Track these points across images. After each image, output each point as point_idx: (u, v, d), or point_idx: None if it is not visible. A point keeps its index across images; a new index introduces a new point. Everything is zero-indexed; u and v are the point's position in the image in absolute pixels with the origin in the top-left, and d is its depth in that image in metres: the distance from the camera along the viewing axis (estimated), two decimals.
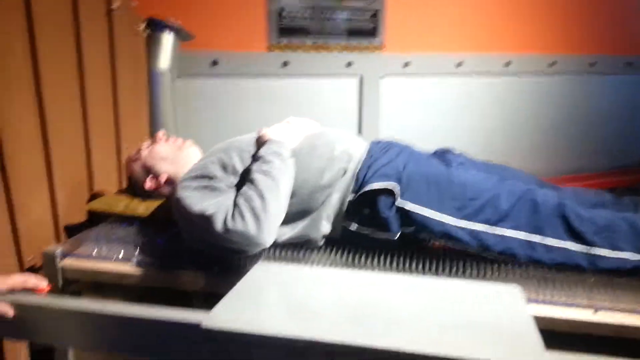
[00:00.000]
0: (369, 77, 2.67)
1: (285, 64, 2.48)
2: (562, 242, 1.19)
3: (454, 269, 1.20)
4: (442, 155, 1.36)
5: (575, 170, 3.22)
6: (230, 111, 2.43)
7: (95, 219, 1.50)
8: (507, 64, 2.94)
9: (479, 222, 1.21)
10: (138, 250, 1.32)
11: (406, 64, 2.73)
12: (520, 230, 1.20)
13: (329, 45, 2.56)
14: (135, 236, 1.37)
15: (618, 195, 1.48)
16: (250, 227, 1.14)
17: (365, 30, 2.61)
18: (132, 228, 1.42)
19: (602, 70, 3.17)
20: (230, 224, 1.15)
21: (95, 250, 1.34)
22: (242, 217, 1.15)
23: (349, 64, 2.61)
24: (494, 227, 1.20)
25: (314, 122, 1.47)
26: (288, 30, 2.46)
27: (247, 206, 1.16)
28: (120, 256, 1.32)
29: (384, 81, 2.71)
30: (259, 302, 1.00)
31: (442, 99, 2.87)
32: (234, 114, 2.43)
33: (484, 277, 1.19)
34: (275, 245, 1.26)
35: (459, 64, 2.84)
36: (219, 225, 1.16)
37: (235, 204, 1.18)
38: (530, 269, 1.20)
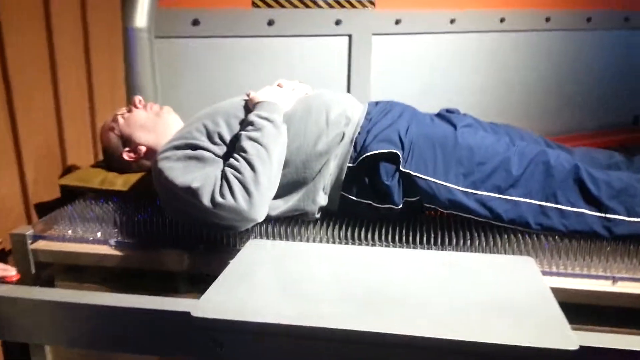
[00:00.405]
0: (359, 36, 2.55)
1: (270, 22, 2.33)
2: (577, 207, 1.10)
3: (462, 241, 1.11)
4: (447, 116, 1.25)
5: (567, 130, 3.17)
6: (214, 73, 2.29)
7: (68, 195, 1.38)
8: (502, 20, 2.85)
9: (489, 189, 1.11)
10: (117, 229, 1.21)
11: (397, 22, 2.60)
12: (533, 197, 1.11)
13: (317, 1, 2.41)
14: (114, 213, 1.26)
15: (626, 155, 1.39)
16: (241, 201, 1.04)
17: None
18: (110, 205, 1.30)
19: (598, 25, 3.10)
20: (218, 198, 1.04)
21: (70, 231, 1.22)
22: (232, 190, 1.05)
23: (338, 22, 2.48)
24: (504, 194, 1.11)
25: (307, 85, 1.35)
26: None
27: (236, 178, 1.06)
28: (98, 236, 1.21)
29: (374, 39, 2.58)
30: (253, 286, 0.91)
31: (436, 57, 2.77)
32: (218, 76, 2.29)
33: (493, 248, 1.11)
34: (268, 219, 1.16)
35: (452, 21, 2.74)
36: (205, 200, 1.05)
37: (224, 176, 1.07)
38: (542, 237, 1.12)
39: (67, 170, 1.47)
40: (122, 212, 1.26)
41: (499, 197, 1.11)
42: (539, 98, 3.08)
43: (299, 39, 2.45)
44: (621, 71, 3.28)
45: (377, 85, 2.62)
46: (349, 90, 2.59)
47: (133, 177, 1.35)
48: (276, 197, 1.16)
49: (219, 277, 0.91)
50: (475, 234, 1.13)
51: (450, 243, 1.11)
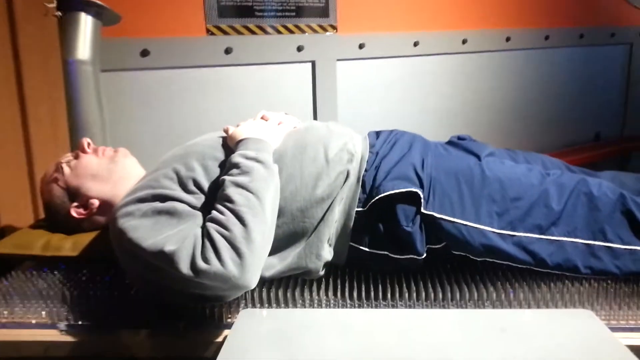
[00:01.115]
0: (322, 62, 2.39)
1: (228, 50, 2.13)
2: (630, 245, 0.94)
3: (502, 294, 0.92)
4: (463, 144, 1.08)
5: (532, 149, 3.11)
6: (168, 107, 2.05)
7: (2, 266, 1.09)
8: (464, 41, 2.80)
9: (528, 229, 0.94)
10: (67, 307, 0.95)
11: (361, 46, 2.47)
12: (579, 235, 0.94)
13: (277, 27, 2.23)
14: (62, 287, 1.00)
15: None
16: (230, 265, 0.82)
17: (315, 9, 2.31)
18: (56, 275, 1.04)
19: (555, 43, 3.11)
20: (200, 264, 0.82)
21: (6, 312, 0.95)
22: (217, 252, 0.82)
23: (300, 48, 2.31)
24: (546, 234, 0.93)
25: (293, 116, 1.14)
26: (229, 10, 2.10)
27: (223, 236, 0.84)
28: (43, 318, 0.94)
29: (339, 65, 2.43)
30: None
31: (401, 80, 2.65)
32: (174, 110, 2.06)
33: (533, 301, 0.92)
34: (261, 281, 0.94)
35: (416, 44, 2.64)
36: (184, 266, 0.82)
37: (206, 234, 0.85)
38: (592, 282, 0.95)
39: (0, 234, 1.18)
40: (72, 285, 1.00)
41: (540, 238, 0.93)
42: (503, 117, 3.04)
43: (259, 67, 2.25)
44: (580, 88, 3.30)
45: (344, 111, 2.47)
46: (315, 117, 2.42)
47: (84, 239, 1.09)
48: (270, 253, 0.94)
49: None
50: (515, 284, 0.94)
51: (489, 298, 0.92)
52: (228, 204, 0.87)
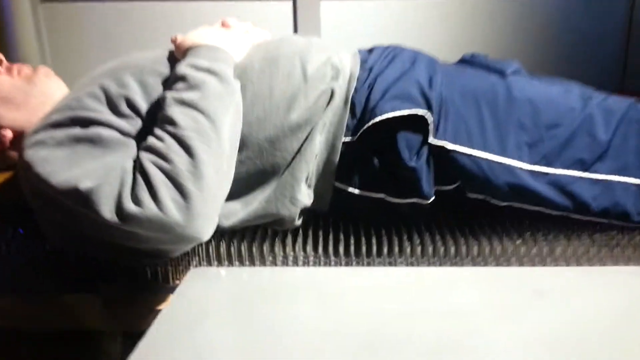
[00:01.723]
0: (304, 0, 2.13)
1: None
2: None
3: (525, 249, 0.71)
4: (479, 61, 0.84)
5: None
6: (127, 45, 1.78)
7: None
8: None
9: (567, 164, 0.72)
10: None
11: None
12: (631, 173, 0.72)
13: None
14: None
15: None
16: (170, 209, 0.60)
17: None
18: None
19: None
20: (129, 206, 0.60)
21: None
22: (153, 190, 0.60)
23: None
24: (590, 170, 0.72)
25: (264, 30, 0.90)
26: None
27: (161, 170, 0.61)
28: None
29: (323, 5, 2.18)
30: (203, 342, 0.48)
31: (393, 24, 2.40)
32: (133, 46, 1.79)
33: (572, 257, 0.71)
34: (219, 233, 0.72)
35: None
36: (106, 209, 0.61)
37: (139, 168, 0.62)
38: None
39: None
40: None
41: (582, 177, 0.72)
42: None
43: (232, 4, 1.99)
44: (577, 38, 3.08)
45: None
46: None
47: None
48: (230, 197, 0.71)
49: (145, 335, 0.48)
50: (549, 235, 0.73)
51: (515, 253, 0.71)
52: (169, 128, 0.64)
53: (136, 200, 0.61)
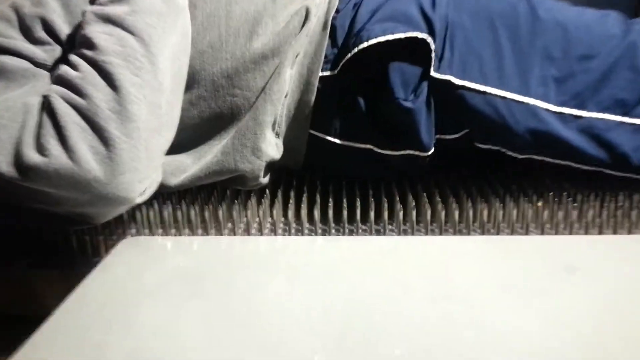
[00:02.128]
0: None
1: None
2: None
3: (550, 214, 0.57)
4: None
5: None
6: None
7: None
8: None
9: (604, 106, 0.57)
10: None
11: None
12: None
13: None
14: None
15: None
16: (86, 161, 0.45)
17: None
18: None
19: None
20: (30, 156, 0.44)
21: None
22: (64, 136, 0.45)
23: None
24: (631, 114, 0.57)
25: None
26: None
27: (74, 108, 0.46)
28: None
29: None
30: (125, 326, 0.34)
31: None
32: None
33: (606, 222, 0.57)
34: (164, 194, 0.57)
35: None
36: (1, 161, 0.44)
37: (46, 107, 0.46)
38: None
39: None
40: None
41: (623, 123, 0.57)
42: None
43: None
44: None
45: None
46: None
47: None
48: (178, 148, 0.56)
49: (54, 313, 0.34)
50: (578, 197, 0.59)
51: (536, 219, 0.56)
52: (87, 52, 0.48)
53: (40, 147, 0.45)
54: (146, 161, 0.48)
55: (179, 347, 0.35)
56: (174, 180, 0.58)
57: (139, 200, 0.50)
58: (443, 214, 0.56)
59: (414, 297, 0.40)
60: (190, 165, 0.59)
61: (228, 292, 0.41)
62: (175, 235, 0.58)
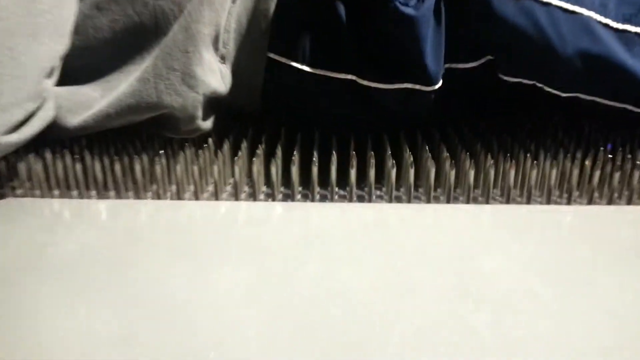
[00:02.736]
0: None
1: None
2: None
3: (598, 181, 0.41)
4: None
5: None
6: None
7: None
8: None
9: None
10: None
11: None
12: None
13: None
14: None
15: None
16: None
17: None
18: None
19: None
20: None
21: None
22: None
23: None
24: None
25: None
26: None
27: None
28: None
29: None
30: None
31: None
32: None
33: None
34: (63, 142, 0.40)
35: None
36: None
37: None
38: None
39: None
40: None
41: None
42: None
43: None
44: None
45: None
46: None
47: None
48: (80, 77, 0.38)
49: None
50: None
51: (582, 187, 0.40)
52: None
53: None
54: (14, 80, 0.31)
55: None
56: (74, 120, 0.41)
57: (6, 140, 0.33)
58: (452, 175, 0.39)
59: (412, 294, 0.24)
60: (98, 100, 0.41)
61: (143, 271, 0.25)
62: (80, 198, 0.41)
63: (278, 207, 0.38)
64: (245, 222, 0.35)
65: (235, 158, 0.39)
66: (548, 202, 0.40)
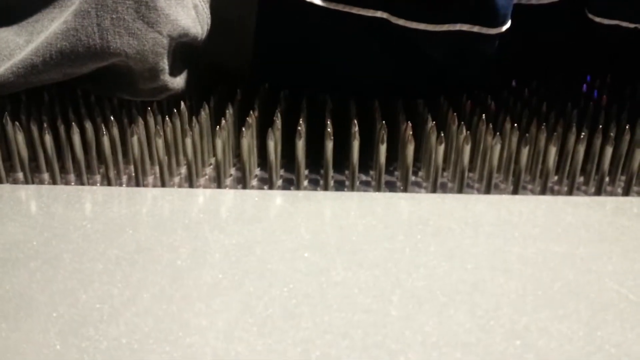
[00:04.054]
0: None
1: None
2: None
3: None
4: None
5: None
6: None
7: None
8: None
9: None
10: None
11: None
12: None
13: None
14: None
15: None
16: None
17: None
18: None
19: None
20: None
21: None
22: None
23: None
24: None
25: None
26: None
27: None
28: None
29: None
30: None
31: None
32: None
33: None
34: None
35: None
36: None
37: None
38: None
39: None
40: None
41: None
42: None
43: None
44: None
45: None
46: None
47: None
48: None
49: None
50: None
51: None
52: None
53: None
54: None
55: None
56: None
57: None
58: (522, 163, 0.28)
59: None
60: (23, 46, 0.29)
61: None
62: (28, 183, 0.29)
63: (277, 198, 0.26)
64: (230, 217, 0.24)
65: (218, 128, 0.27)
66: (612, 193, 0.29)
